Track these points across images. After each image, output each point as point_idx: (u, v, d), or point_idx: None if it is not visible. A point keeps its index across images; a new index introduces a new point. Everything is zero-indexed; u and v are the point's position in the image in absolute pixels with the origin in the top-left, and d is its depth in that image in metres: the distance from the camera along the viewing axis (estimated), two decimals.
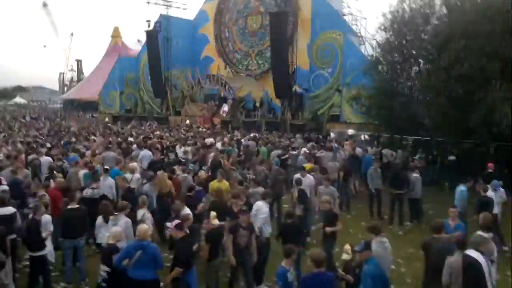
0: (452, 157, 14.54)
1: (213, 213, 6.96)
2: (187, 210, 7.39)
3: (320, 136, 20.32)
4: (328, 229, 7.26)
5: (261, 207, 7.51)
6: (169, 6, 35.19)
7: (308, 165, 11.86)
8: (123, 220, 6.87)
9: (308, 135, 20.37)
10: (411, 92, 17.09)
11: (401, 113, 15.86)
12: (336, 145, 15.40)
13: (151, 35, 33.91)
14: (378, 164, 12.02)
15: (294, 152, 14.41)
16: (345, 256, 5.66)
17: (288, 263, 5.37)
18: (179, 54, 35.31)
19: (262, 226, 7.21)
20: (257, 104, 29.51)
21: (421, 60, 16.72)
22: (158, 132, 22.27)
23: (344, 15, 27.67)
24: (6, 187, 9.05)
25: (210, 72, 33.40)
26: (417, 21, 16.52)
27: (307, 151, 13.96)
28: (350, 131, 19.91)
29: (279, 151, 14.39)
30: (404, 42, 16.89)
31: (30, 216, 6.97)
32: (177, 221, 6.34)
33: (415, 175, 10.99)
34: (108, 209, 7.17)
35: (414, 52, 16.75)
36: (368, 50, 23.96)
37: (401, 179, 10.92)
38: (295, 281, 5.45)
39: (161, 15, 34.90)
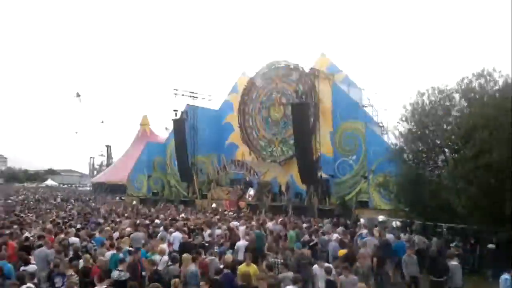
0: (491, 245, 13.74)
1: None
2: None
3: (349, 222, 19.81)
4: None
5: None
6: (195, 97, 37.23)
7: (342, 251, 11.51)
8: None
9: (336, 220, 19.92)
10: (440, 179, 16.77)
11: (431, 201, 15.46)
12: (365, 231, 14.95)
13: (178, 123, 35.46)
14: (412, 251, 11.53)
15: (325, 237, 14.01)
16: None
17: None
18: (205, 141, 36.69)
19: None
20: (283, 189, 29.49)
21: (446, 150, 16.64)
22: (183, 215, 22.26)
23: (364, 106, 28.47)
24: (34, 267, 9.12)
25: (235, 158, 34.18)
26: (438, 112, 16.63)
27: (339, 237, 13.56)
28: (381, 217, 19.31)
29: (306, 237, 14.04)
30: (426, 132, 16.84)
31: None
32: None
33: (454, 263, 10.39)
34: None
35: (438, 142, 16.72)
36: (391, 139, 24.18)
37: (439, 266, 10.33)
38: None
39: (188, 105, 36.76)
